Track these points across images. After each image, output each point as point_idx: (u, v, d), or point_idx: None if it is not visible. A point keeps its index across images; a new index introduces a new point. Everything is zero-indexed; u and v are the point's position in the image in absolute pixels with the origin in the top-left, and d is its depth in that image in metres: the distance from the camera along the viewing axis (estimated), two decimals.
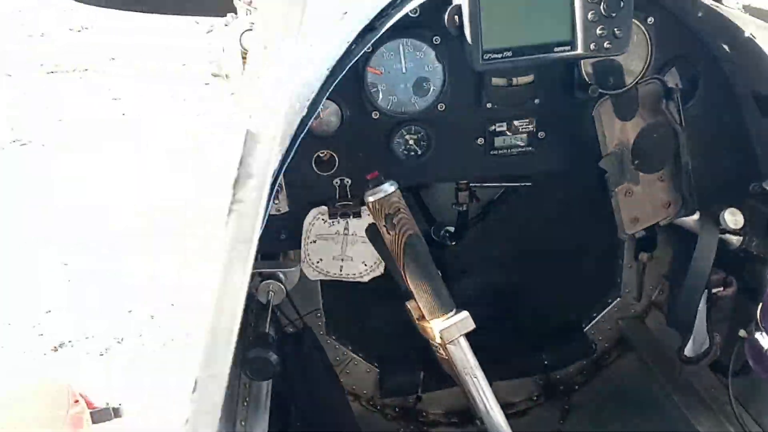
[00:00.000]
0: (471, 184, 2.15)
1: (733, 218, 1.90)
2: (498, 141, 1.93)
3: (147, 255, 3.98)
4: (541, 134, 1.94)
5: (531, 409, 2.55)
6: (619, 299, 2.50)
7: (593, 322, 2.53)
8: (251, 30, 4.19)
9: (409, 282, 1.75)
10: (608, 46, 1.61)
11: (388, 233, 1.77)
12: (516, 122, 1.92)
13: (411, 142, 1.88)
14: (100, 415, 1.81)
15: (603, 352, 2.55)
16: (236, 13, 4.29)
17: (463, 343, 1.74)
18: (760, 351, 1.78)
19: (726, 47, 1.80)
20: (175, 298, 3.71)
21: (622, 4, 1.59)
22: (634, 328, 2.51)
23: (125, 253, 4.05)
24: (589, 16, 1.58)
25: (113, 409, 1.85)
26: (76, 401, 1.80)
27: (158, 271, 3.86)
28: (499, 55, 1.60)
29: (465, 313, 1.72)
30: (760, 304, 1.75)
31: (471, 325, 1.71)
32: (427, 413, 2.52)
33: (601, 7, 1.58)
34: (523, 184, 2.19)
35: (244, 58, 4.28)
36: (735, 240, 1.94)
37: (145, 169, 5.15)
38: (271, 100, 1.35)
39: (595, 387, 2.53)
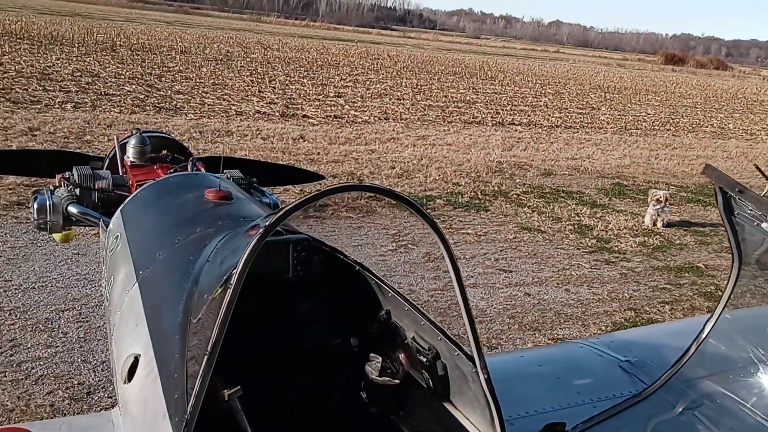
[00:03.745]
0: None
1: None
2: None
3: None
4: None
5: None
6: None
7: None
8: (75, 201, 5.02)
9: None
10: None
11: None
12: None
13: None
14: None
15: None
16: (59, 184, 5.14)
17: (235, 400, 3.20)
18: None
19: None
20: None
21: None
22: None
23: None
24: None
25: None
26: None
27: None
28: None
29: (238, 386, 3.14)
30: None
31: (240, 392, 3.16)
32: None
33: None
34: None
35: (66, 221, 5.11)
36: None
37: None
38: None
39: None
